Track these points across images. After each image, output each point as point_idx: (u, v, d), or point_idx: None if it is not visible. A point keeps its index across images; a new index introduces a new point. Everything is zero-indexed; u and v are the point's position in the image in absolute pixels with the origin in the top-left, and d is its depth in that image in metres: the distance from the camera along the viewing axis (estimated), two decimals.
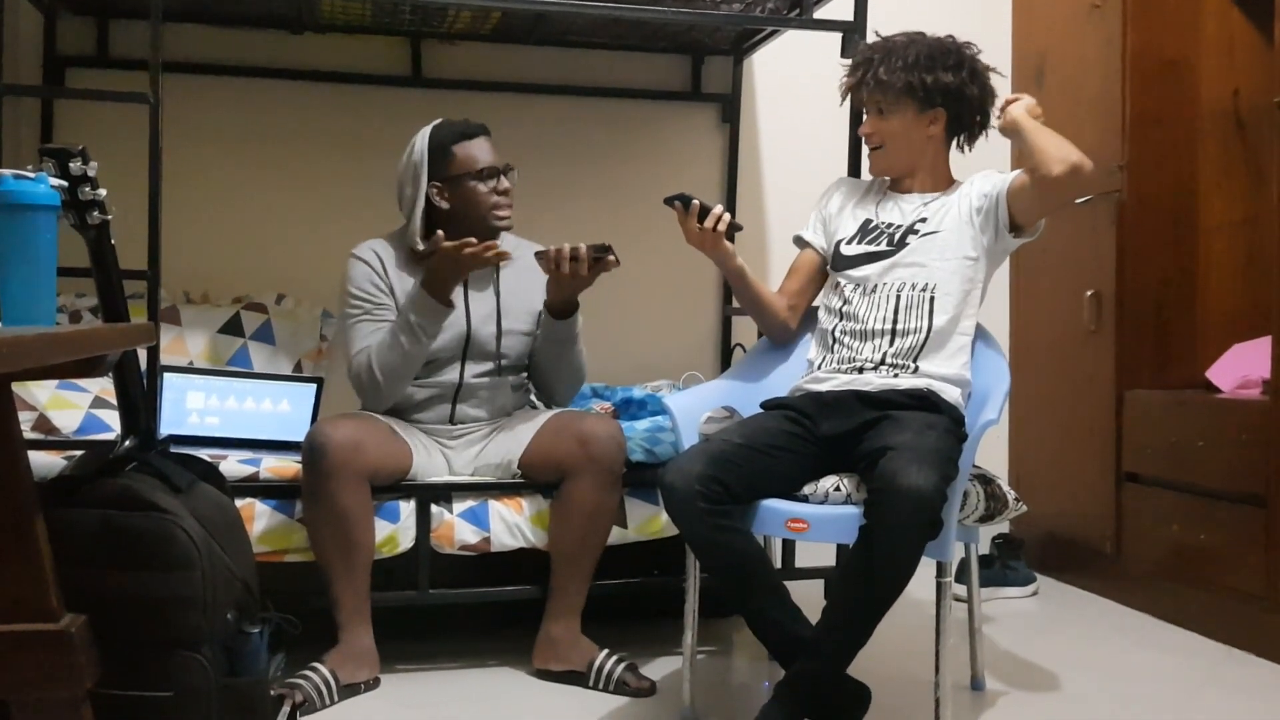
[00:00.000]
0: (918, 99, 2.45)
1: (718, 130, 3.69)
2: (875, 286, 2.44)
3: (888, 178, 2.59)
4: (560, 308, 2.62)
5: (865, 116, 2.55)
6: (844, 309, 2.46)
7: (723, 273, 2.57)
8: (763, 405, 2.44)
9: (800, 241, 2.64)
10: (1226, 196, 3.30)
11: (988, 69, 2.53)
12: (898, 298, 2.41)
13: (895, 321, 2.40)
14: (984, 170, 2.53)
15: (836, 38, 2.93)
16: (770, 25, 3.16)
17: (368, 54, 3.43)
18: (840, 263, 2.52)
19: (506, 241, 2.77)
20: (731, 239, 2.49)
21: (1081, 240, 3.45)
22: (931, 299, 2.40)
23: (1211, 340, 3.28)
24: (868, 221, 2.53)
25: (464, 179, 2.62)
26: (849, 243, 2.52)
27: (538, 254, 2.53)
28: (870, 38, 2.91)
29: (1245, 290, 3.28)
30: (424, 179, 2.61)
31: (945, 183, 2.55)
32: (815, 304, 2.63)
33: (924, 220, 2.47)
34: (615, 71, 3.59)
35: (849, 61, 2.60)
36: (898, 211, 2.52)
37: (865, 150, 2.59)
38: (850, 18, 2.93)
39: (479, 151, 2.63)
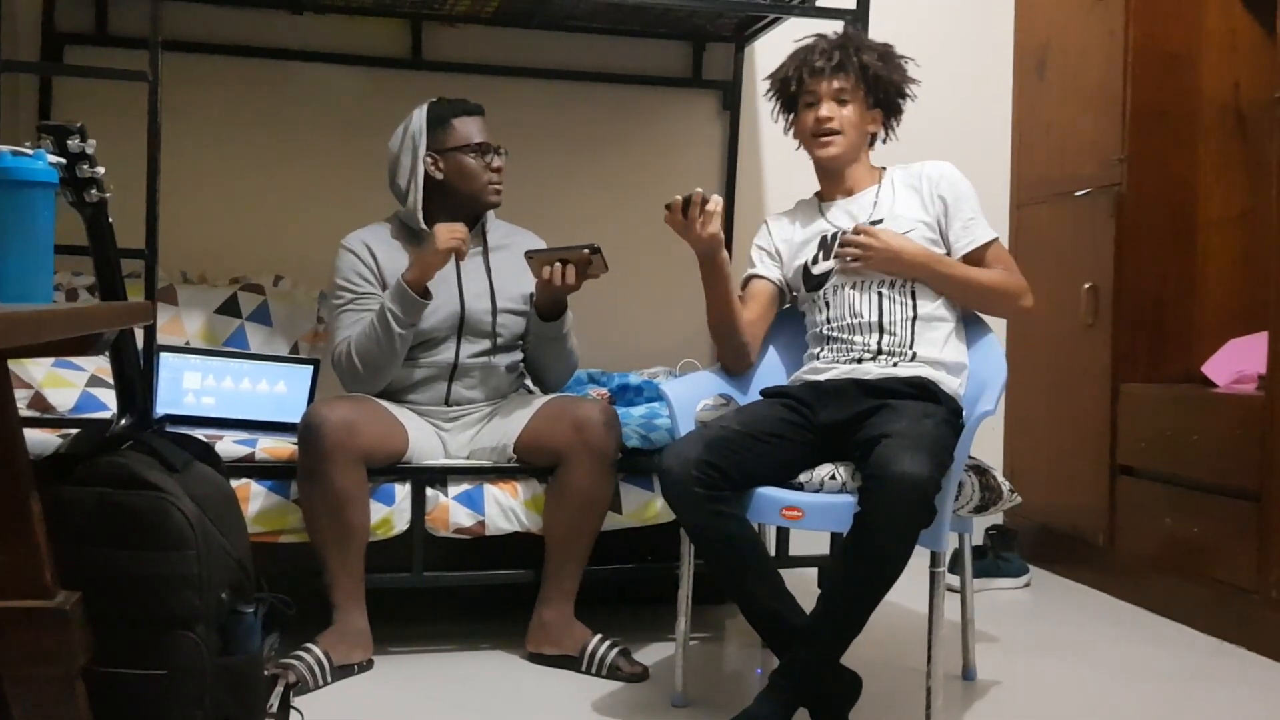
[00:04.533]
0: (870, 94, 2.50)
1: (718, 117, 3.68)
2: (856, 284, 2.44)
3: (814, 196, 2.61)
4: (549, 309, 2.64)
5: (818, 103, 2.49)
6: (830, 313, 2.47)
7: (710, 284, 2.43)
8: (762, 393, 2.45)
9: (751, 278, 2.59)
10: (1226, 191, 3.30)
11: None
12: (880, 295, 2.42)
13: (882, 315, 2.41)
14: (933, 163, 2.54)
15: (839, 25, 2.92)
16: (772, 12, 3.15)
17: (368, 35, 3.42)
18: (814, 283, 2.51)
19: (499, 229, 2.78)
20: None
21: (1080, 233, 3.45)
22: (913, 291, 2.43)
23: (1208, 335, 3.28)
24: (825, 236, 2.52)
25: (460, 152, 2.64)
26: (815, 262, 2.51)
27: (528, 254, 2.54)
28: (874, 26, 2.92)
29: (1242, 285, 3.28)
30: (422, 149, 2.62)
31: (874, 176, 2.57)
32: (802, 317, 2.58)
33: (879, 222, 2.46)
34: (616, 57, 3.58)
35: (803, 48, 2.56)
36: (847, 215, 2.51)
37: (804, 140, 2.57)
38: (853, 5, 2.93)
39: (475, 127, 2.67)
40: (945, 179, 2.50)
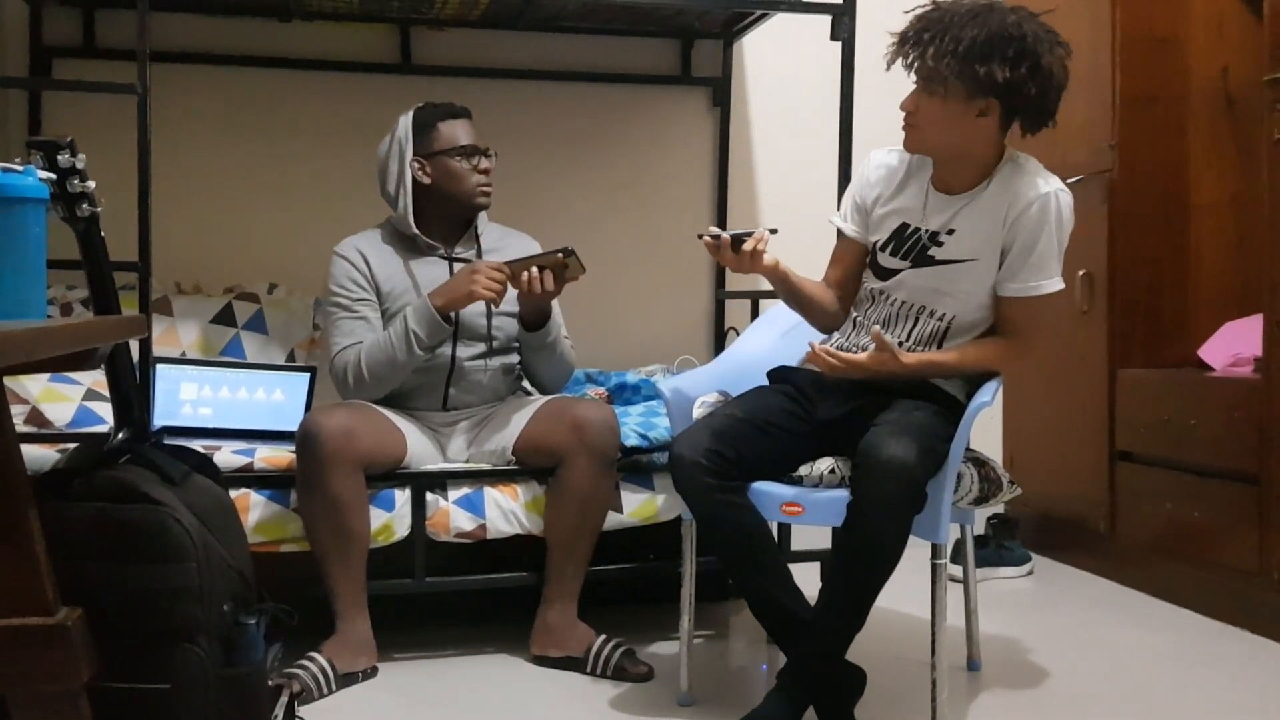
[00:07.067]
0: (967, 86, 2.17)
1: (708, 114, 3.68)
2: (894, 300, 2.33)
3: (930, 159, 2.32)
4: (534, 318, 2.64)
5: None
6: (868, 309, 2.38)
7: (778, 289, 2.38)
8: (769, 374, 2.43)
9: (840, 235, 2.47)
10: (1217, 174, 3.30)
11: (1064, 56, 2.23)
12: (915, 320, 2.31)
13: (909, 337, 2.32)
14: (1042, 187, 2.25)
15: (826, 20, 2.92)
16: (760, 8, 3.15)
17: (356, 41, 3.41)
18: (874, 267, 2.37)
19: (493, 232, 2.79)
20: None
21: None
22: (946, 329, 2.30)
23: (1203, 318, 3.29)
24: (904, 227, 2.33)
25: (447, 155, 2.64)
26: (883, 249, 2.35)
27: (505, 265, 2.53)
28: (861, 17, 2.90)
29: (1236, 268, 3.29)
30: (408, 154, 2.62)
31: (980, 176, 2.28)
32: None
33: (951, 232, 2.27)
34: (605, 56, 3.58)
35: (913, 15, 2.25)
36: (936, 216, 2.29)
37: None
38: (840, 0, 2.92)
39: (462, 130, 2.67)
40: (1033, 211, 2.22)
